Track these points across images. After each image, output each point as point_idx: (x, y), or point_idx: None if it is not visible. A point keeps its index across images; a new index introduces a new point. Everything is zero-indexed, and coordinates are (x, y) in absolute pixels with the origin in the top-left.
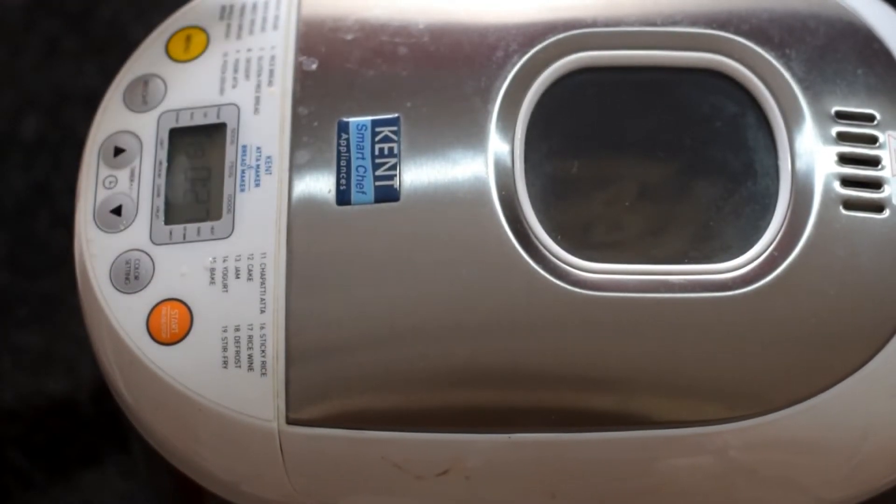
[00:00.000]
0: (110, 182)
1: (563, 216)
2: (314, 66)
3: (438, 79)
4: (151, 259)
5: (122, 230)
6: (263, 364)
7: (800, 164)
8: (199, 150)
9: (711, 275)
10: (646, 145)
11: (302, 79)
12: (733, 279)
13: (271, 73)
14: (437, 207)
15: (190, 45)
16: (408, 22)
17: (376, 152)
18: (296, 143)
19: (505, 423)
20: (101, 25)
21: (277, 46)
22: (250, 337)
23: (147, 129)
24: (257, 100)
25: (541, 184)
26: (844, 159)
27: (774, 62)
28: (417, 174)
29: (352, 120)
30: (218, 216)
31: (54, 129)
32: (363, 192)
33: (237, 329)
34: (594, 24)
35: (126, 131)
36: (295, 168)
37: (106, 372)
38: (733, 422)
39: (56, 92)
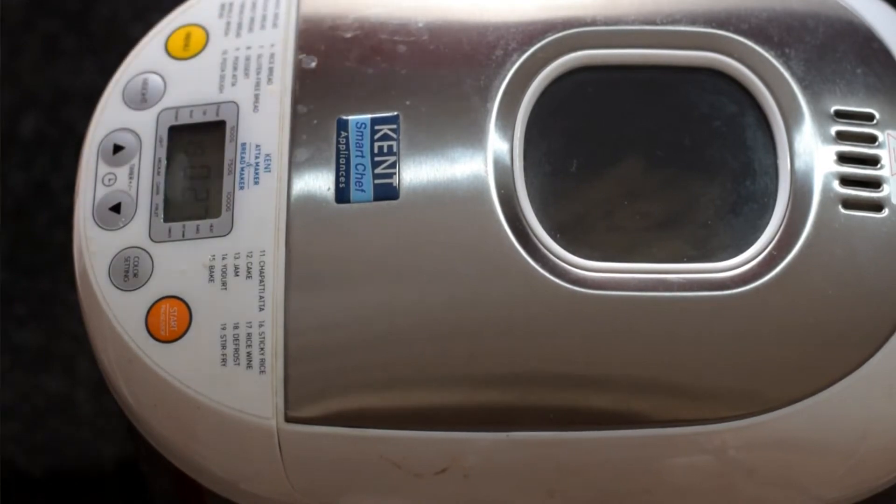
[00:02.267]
0: (109, 179)
1: (562, 215)
2: (313, 64)
3: (438, 77)
4: (150, 257)
5: (121, 227)
6: (262, 362)
7: (799, 163)
8: (198, 148)
9: (710, 274)
10: (645, 144)
11: (301, 77)
12: (732, 278)
13: (270, 70)
14: (437, 206)
15: (189, 43)
16: (407, 20)
17: (375, 150)
18: (295, 141)
19: (503, 421)
20: (101, 24)
21: (277, 44)
22: (249, 335)
23: (146, 127)
24: (256, 97)
25: (540, 182)
26: (843, 158)
27: (774, 61)
28: (417, 172)
29: (351, 118)
30: (217, 214)
31: (53, 128)
32: (362, 191)
33: (236, 327)
34: (593, 22)
35: (125, 129)
36: (294, 166)
37: (105, 369)
38: (732, 421)
39: (55, 91)
